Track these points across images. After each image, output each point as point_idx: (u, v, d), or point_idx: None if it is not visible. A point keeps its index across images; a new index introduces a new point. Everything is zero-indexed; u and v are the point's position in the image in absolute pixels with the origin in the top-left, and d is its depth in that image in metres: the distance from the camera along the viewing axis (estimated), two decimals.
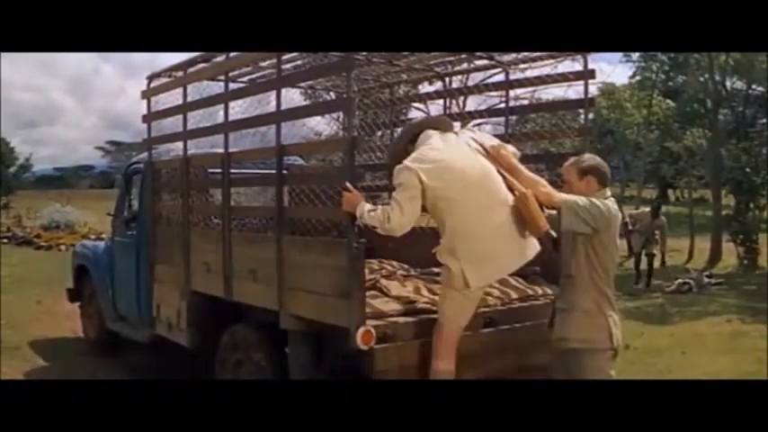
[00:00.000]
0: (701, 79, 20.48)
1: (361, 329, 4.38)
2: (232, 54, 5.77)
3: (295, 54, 5.74)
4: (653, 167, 27.79)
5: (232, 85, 6.20)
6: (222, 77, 6.14)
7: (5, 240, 22.89)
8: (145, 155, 7.45)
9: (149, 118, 7.14)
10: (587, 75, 5.88)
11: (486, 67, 6.93)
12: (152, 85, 7.19)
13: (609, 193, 4.49)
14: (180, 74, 6.70)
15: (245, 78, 6.90)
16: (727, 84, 21.19)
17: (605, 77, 21.27)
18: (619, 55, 20.81)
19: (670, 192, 45.40)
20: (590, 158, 4.54)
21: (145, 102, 7.21)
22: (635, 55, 20.84)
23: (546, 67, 6.48)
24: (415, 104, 11.36)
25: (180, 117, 6.49)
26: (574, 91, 8.26)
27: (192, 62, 6.47)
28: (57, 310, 11.01)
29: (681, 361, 8.21)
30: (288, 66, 5.89)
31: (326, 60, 5.56)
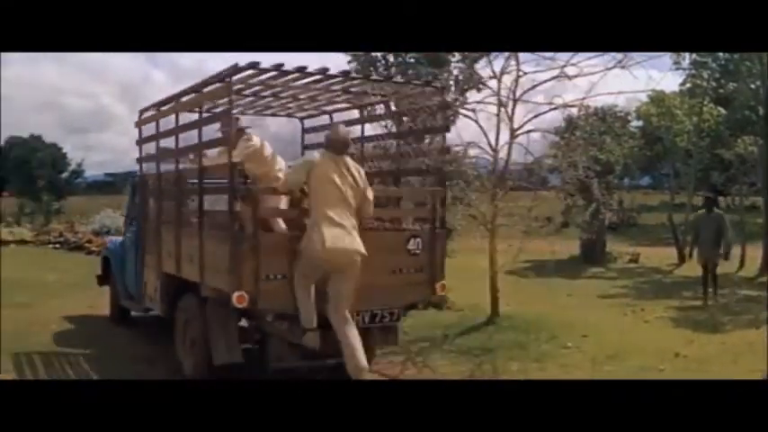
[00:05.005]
0: (753, 86, 20.22)
1: (236, 293, 6.55)
2: (184, 99, 8.13)
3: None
4: (703, 175, 27.48)
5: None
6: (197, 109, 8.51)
7: (58, 245, 23.36)
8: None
9: (140, 142, 9.61)
10: (444, 105, 8.80)
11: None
12: (143, 116, 9.54)
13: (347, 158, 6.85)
14: (168, 106, 8.68)
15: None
16: None
17: (655, 85, 21.08)
18: (669, 62, 20.56)
19: (721, 199, 44.82)
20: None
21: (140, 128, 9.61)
22: (685, 62, 20.64)
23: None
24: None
25: (169, 139, 8.50)
26: (624, 98, 8.47)
27: (169, 99, 8.56)
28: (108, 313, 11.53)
29: (732, 369, 8.12)
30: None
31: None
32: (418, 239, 7.50)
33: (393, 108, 9.33)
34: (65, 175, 51.34)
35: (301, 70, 7.40)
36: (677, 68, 21.14)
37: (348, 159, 6.85)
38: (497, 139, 10.60)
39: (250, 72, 7.20)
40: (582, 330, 10.18)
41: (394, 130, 10.09)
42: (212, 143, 7.70)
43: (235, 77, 7.12)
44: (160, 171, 8.89)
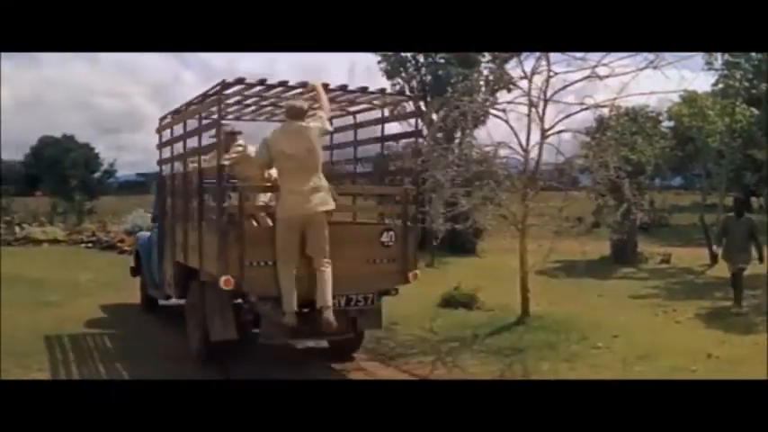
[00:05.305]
0: None
1: (223, 277, 7.46)
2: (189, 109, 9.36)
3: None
4: (735, 175, 27.17)
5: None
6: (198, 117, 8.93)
7: (90, 245, 23.61)
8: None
9: (160, 146, 10.85)
10: (418, 112, 9.74)
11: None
12: (161, 123, 10.76)
13: (297, 122, 7.66)
14: (178, 115, 9.85)
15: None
16: None
17: (687, 85, 20.86)
18: (701, 62, 20.31)
19: (753, 200, 44.35)
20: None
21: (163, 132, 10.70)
22: (717, 62, 20.39)
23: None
24: None
25: (177, 144, 9.79)
26: (656, 98, 8.55)
27: (179, 110, 9.77)
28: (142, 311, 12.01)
29: (764, 370, 8.02)
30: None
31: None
32: (391, 233, 8.41)
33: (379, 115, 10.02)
34: (97, 174, 51.63)
35: (284, 84, 8.49)
36: (709, 69, 20.87)
37: (302, 123, 7.70)
38: (528, 139, 10.61)
39: (238, 87, 8.34)
40: (612, 331, 10.14)
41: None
42: (205, 149, 8.61)
43: (224, 92, 8.29)
44: (173, 172, 10.24)
